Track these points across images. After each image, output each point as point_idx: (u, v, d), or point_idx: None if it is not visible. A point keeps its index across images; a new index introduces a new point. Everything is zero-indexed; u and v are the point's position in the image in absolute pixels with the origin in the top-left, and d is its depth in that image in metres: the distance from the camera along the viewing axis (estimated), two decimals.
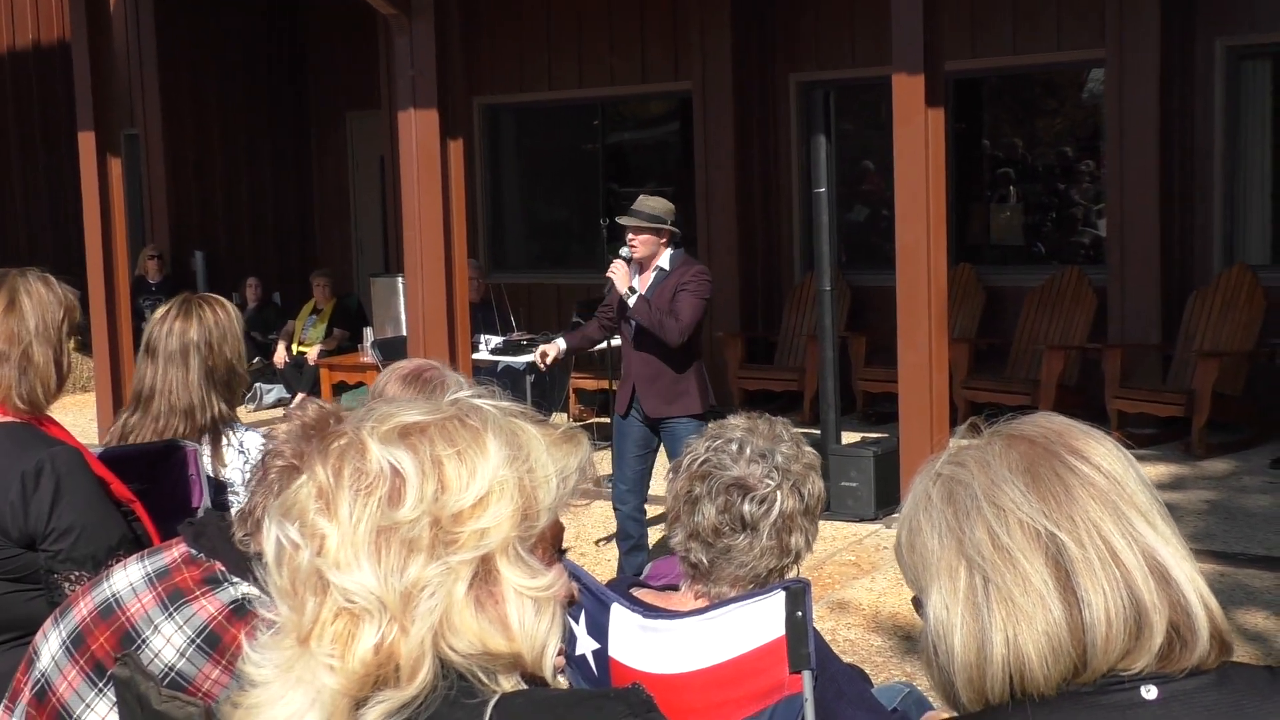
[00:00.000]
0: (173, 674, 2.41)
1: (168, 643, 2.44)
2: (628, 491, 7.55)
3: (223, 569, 2.51)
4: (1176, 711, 1.60)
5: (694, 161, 13.24)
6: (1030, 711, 1.61)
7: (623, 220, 7.49)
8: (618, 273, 7.36)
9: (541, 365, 8.01)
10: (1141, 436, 10.28)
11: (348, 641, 1.55)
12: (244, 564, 2.48)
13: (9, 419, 3.33)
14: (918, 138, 8.09)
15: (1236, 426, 10.51)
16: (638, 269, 7.49)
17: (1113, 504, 1.65)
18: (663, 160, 14.70)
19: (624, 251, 7.43)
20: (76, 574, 3.14)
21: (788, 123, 13.01)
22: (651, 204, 7.50)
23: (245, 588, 2.47)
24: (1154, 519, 1.66)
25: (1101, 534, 1.62)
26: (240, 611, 2.45)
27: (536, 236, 15.22)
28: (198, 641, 2.44)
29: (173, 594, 2.50)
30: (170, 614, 2.47)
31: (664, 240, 7.44)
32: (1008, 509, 1.64)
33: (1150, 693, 1.61)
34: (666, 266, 7.43)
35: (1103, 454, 1.69)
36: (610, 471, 8.03)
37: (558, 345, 7.97)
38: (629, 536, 7.63)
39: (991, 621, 1.60)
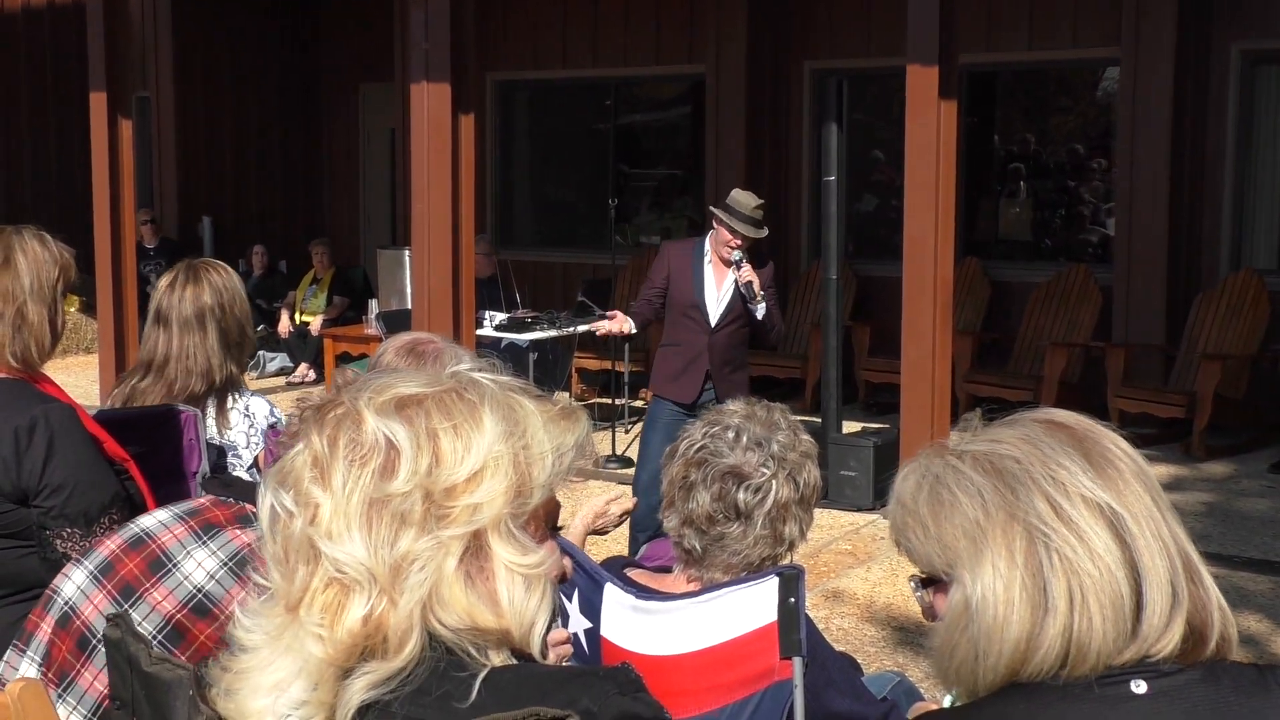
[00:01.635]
0: (200, 595, 2.44)
1: (199, 566, 2.47)
2: (651, 484, 7.39)
3: (254, 511, 2.53)
4: (1165, 706, 1.62)
5: (704, 145, 13.23)
6: (1024, 703, 1.62)
7: (740, 228, 7.21)
8: (755, 281, 7.24)
9: (603, 332, 7.65)
10: (1142, 437, 10.27)
11: (336, 611, 1.55)
12: None
13: (2, 375, 3.33)
14: (930, 129, 8.07)
15: (1237, 430, 10.51)
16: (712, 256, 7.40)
17: (1154, 495, 1.69)
18: (674, 143, 14.68)
19: (735, 255, 7.24)
20: (68, 530, 3.15)
21: (800, 110, 12.99)
22: (756, 209, 7.31)
23: None
24: (1177, 518, 1.71)
25: (1153, 517, 1.66)
26: None
27: (544, 215, 15.21)
28: (230, 564, 2.46)
29: (205, 526, 2.53)
30: (204, 541, 2.50)
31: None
32: (1067, 482, 1.66)
33: (1140, 687, 1.62)
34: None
35: (1133, 451, 1.74)
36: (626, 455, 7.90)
37: (625, 321, 7.53)
38: (646, 529, 7.55)
39: (1056, 590, 1.61)
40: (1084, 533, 1.63)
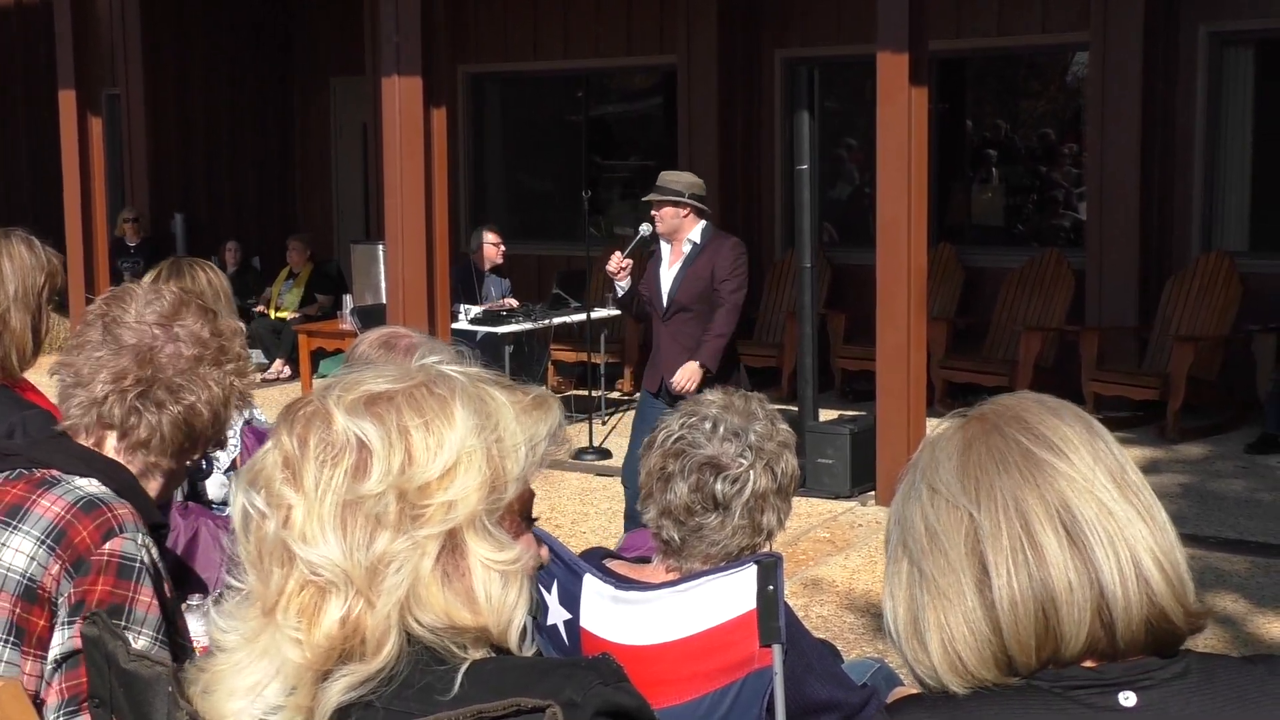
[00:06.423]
0: (27, 582, 2.30)
1: (17, 552, 2.32)
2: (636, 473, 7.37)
3: (54, 473, 2.38)
4: (1155, 719, 1.52)
5: (677, 136, 13.22)
6: (997, 706, 1.54)
7: (651, 196, 7.44)
8: (688, 376, 7.26)
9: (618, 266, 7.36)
10: (1117, 419, 10.31)
11: (313, 614, 1.55)
12: (77, 461, 2.40)
13: None
14: (901, 116, 8.09)
15: (1211, 411, 10.56)
16: (668, 243, 7.44)
17: (1048, 478, 1.55)
18: (646, 134, 14.67)
19: (644, 228, 7.37)
20: None
21: (772, 99, 13.00)
22: (673, 178, 7.47)
23: (86, 483, 2.37)
24: (1113, 491, 1.56)
25: (1020, 510, 1.53)
26: (89, 507, 2.33)
27: (518, 207, 15.18)
28: (46, 541, 2.31)
29: (10, 510, 2.35)
30: (13, 526, 2.33)
31: (686, 213, 7.38)
32: (940, 491, 1.59)
33: (1129, 700, 1.53)
34: (698, 240, 7.39)
35: (1053, 425, 1.60)
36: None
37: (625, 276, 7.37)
38: (637, 517, 7.52)
39: (924, 609, 1.56)
40: (942, 547, 1.56)
